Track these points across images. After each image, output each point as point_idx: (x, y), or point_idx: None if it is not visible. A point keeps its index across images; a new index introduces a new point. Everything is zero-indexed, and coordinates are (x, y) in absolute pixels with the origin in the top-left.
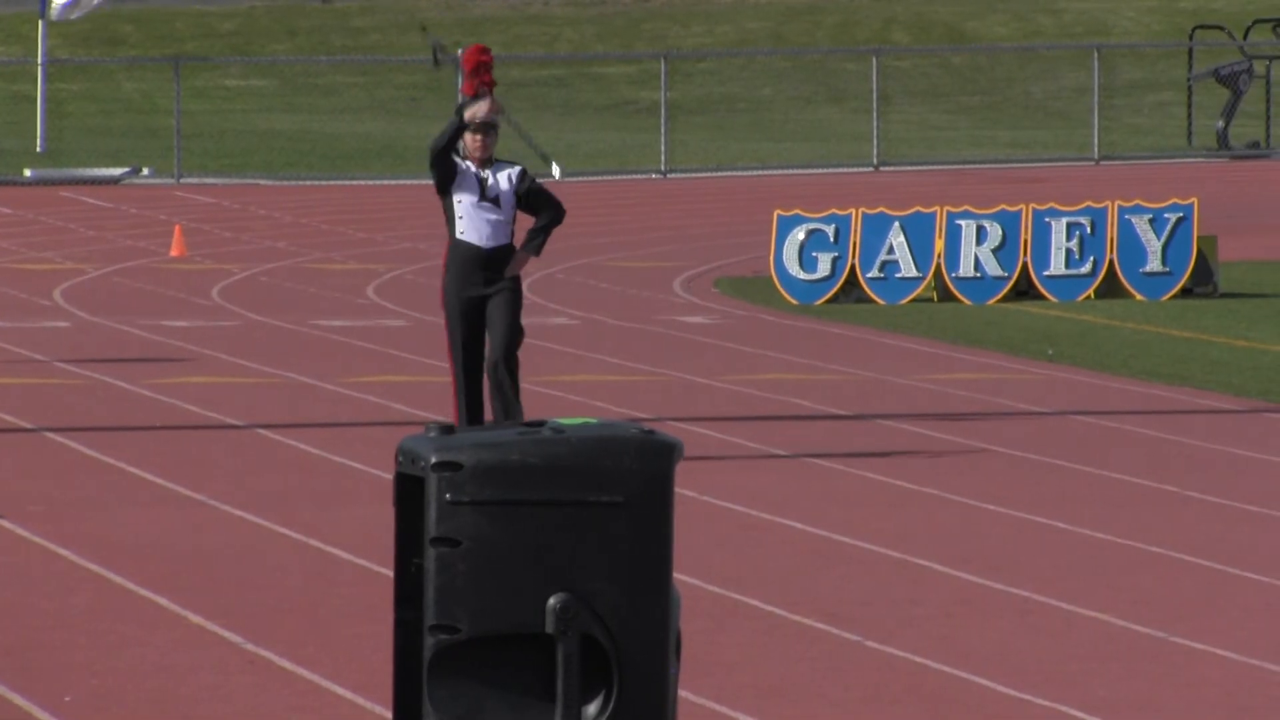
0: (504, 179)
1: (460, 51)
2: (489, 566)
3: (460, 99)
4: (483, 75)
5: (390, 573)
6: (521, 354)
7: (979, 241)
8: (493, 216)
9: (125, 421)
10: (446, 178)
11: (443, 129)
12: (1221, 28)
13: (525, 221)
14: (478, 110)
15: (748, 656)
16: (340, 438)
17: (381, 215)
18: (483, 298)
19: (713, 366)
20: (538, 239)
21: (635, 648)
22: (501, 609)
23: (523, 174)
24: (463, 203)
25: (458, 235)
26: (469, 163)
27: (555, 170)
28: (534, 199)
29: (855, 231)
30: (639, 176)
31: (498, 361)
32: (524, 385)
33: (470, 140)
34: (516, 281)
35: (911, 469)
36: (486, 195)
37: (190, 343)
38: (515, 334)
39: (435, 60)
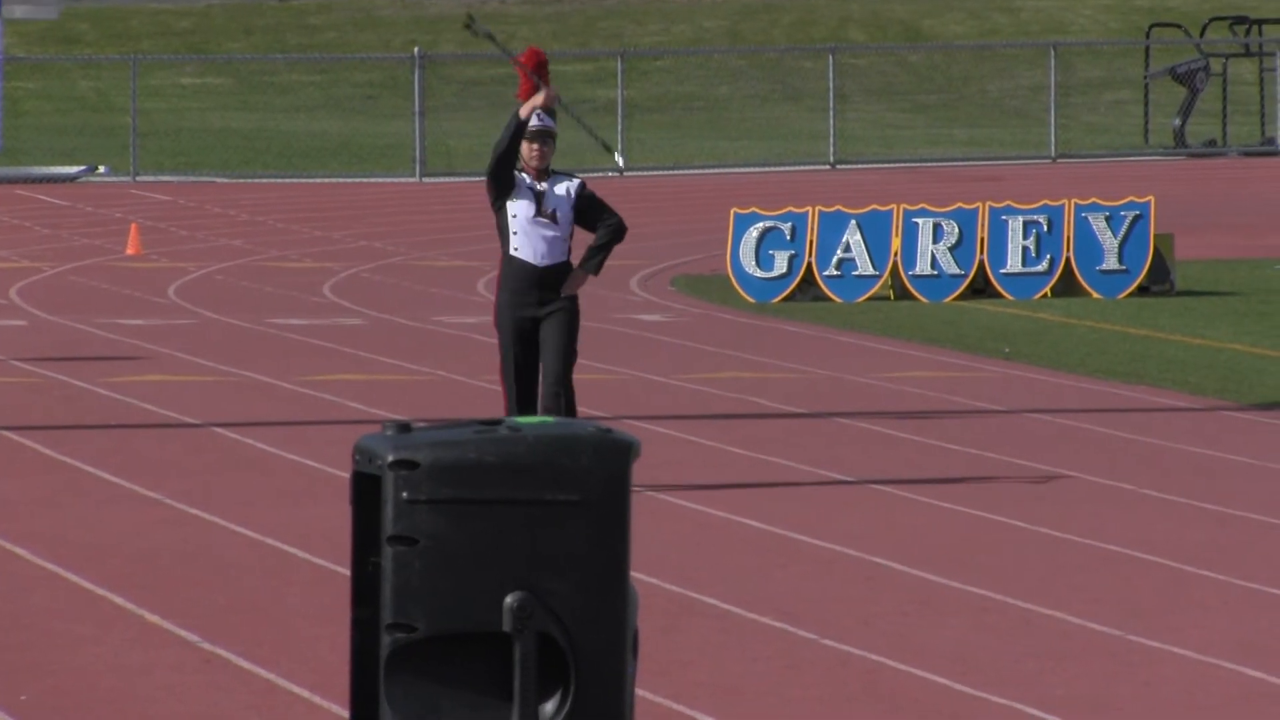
0: (561, 192)
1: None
2: (446, 565)
3: (516, 105)
4: (543, 76)
5: (347, 571)
6: (478, 352)
7: (935, 239)
8: (549, 233)
9: (81, 420)
10: (505, 187)
11: (502, 133)
12: (1178, 26)
13: (583, 237)
14: (536, 102)
15: (704, 655)
16: (297, 436)
17: (338, 213)
18: (537, 319)
19: (669, 365)
20: (597, 256)
21: (592, 646)
22: (458, 608)
23: (581, 187)
24: (517, 217)
25: (511, 252)
26: (525, 175)
27: (619, 158)
28: (593, 213)
29: (812, 229)
30: (595, 175)
31: (551, 388)
32: (481, 384)
33: (526, 150)
34: (573, 301)
35: (868, 468)
36: (543, 210)
37: (146, 341)
38: (570, 357)
39: (478, 33)
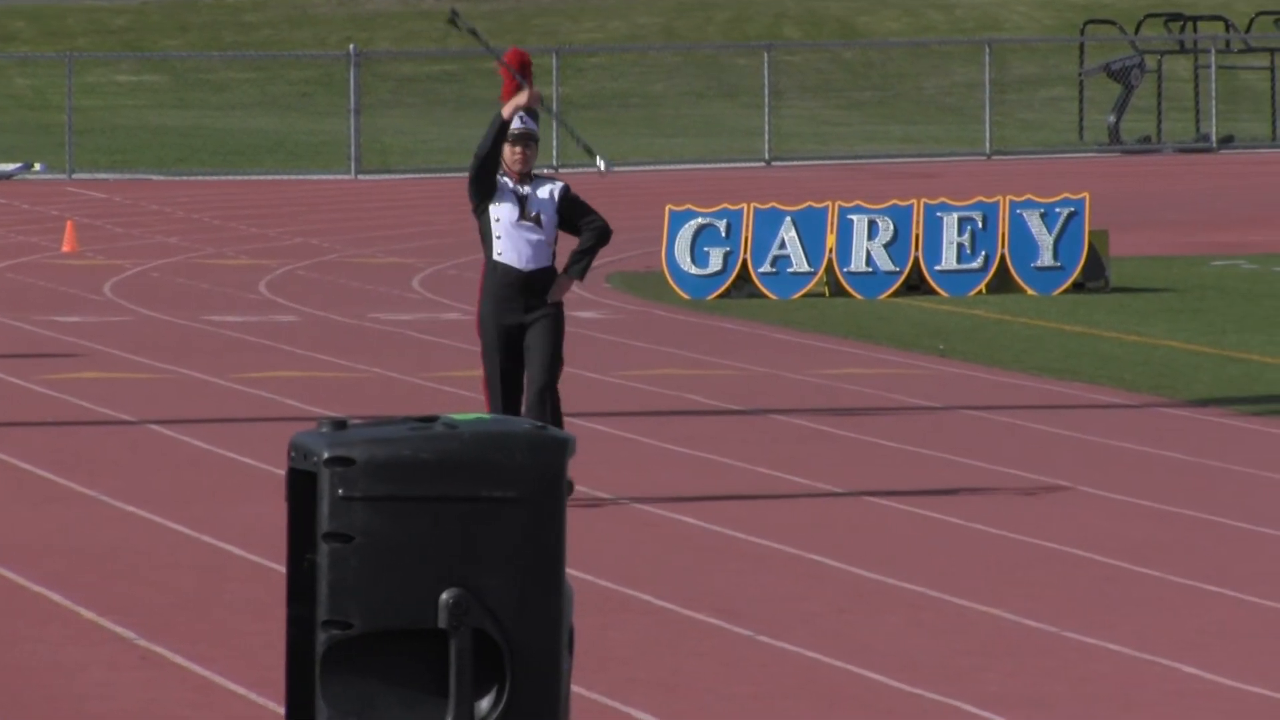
0: (544, 195)
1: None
2: (381, 562)
3: (470, 30)
4: (526, 77)
5: (283, 568)
6: (415, 349)
7: (871, 236)
8: (533, 236)
9: (17, 417)
10: (487, 192)
11: (483, 136)
12: (1113, 22)
13: (567, 242)
14: (519, 102)
15: (640, 652)
16: (233, 433)
17: (273, 211)
18: (522, 325)
19: (605, 362)
20: (583, 260)
21: (528, 643)
22: (394, 604)
23: (565, 190)
24: (501, 221)
25: (495, 256)
26: (507, 179)
27: (601, 164)
28: (576, 216)
29: (747, 226)
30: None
31: (536, 395)
32: (417, 381)
33: (509, 153)
34: (558, 308)
35: (804, 464)
36: (527, 214)
37: (83, 338)
38: (556, 365)
39: (456, 25)
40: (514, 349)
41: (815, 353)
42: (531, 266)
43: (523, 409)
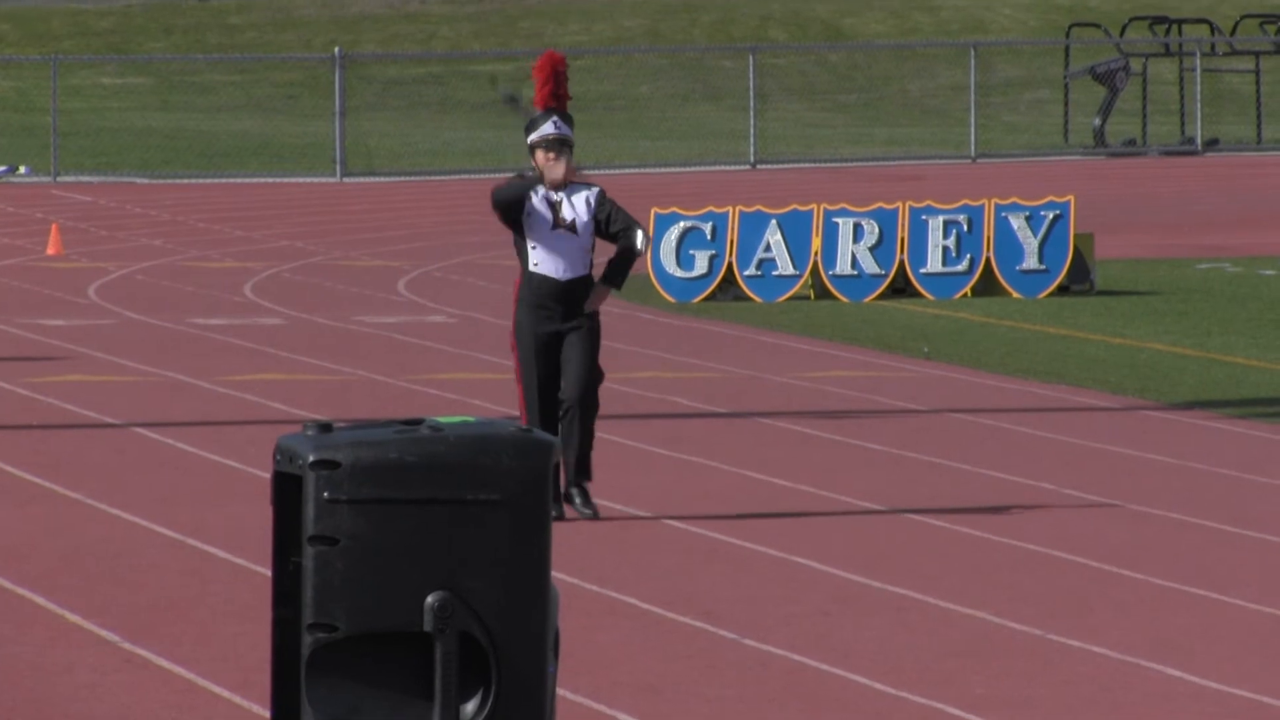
0: (580, 203)
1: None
2: (367, 565)
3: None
4: (560, 88)
5: (268, 571)
6: (401, 352)
7: (856, 239)
8: (569, 245)
9: (1, 420)
10: (515, 217)
11: (509, 187)
12: (1098, 25)
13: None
14: (555, 177)
15: (626, 655)
16: (218, 436)
17: (258, 213)
18: (559, 334)
19: None
20: (618, 269)
21: (513, 646)
22: (379, 607)
23: (601, 196)
24: (535, 232)
25: (531, 267)
26: (540, 187)
27: (639, 241)
28: (613, 224)
29: (732, 229)
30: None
31: (572, 405)
32: (403, 384)
33: (543, 158)
34: (595, 317)
35: (788, 467)
36: (561, 222)
37: (67, 341)
38: (594, 375)
39: (511, 102)
40: (552, 357)
41: (800, 355)
42: (569, 276)
43: (560, 424)
